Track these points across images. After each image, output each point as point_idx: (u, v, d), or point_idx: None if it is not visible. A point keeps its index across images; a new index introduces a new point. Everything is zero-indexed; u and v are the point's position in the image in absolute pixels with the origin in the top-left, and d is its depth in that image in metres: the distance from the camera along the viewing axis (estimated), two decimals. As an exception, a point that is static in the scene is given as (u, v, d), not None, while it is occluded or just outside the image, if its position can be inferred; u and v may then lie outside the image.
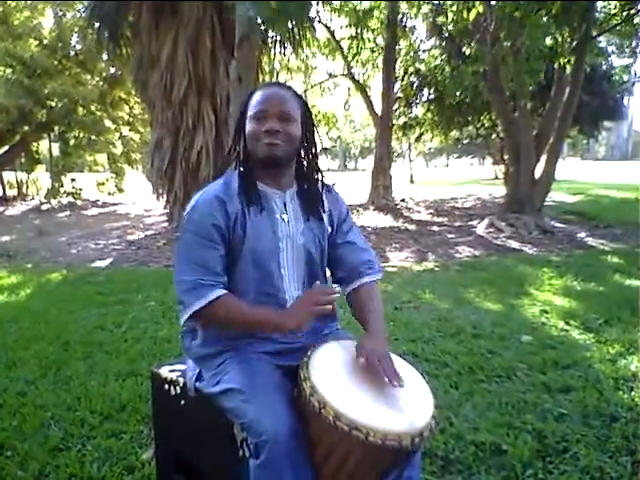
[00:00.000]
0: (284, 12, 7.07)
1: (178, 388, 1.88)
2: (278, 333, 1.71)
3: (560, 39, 9.74)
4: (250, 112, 1.73)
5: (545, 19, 9.17)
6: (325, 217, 1.86)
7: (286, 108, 1.72)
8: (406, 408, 1.45)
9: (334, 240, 1.89)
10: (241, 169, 1.79)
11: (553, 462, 2.30)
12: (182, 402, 1.87)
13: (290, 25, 9.39)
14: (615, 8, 10.39)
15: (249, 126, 1.72)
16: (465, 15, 9.76)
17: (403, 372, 1.63)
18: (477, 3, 9.18)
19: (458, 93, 12.81)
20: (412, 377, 1.61)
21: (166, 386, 1.93)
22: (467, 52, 12.24)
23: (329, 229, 1.87)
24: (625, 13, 10.00)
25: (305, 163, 1.86)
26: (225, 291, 1.65)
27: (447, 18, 13.13)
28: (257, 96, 1.74)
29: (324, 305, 1.64)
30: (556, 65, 10.22)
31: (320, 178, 1.88)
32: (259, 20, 7.26)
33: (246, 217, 1.70)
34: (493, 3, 9.67)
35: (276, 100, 1.72)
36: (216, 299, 1.62)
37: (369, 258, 1.90)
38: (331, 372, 1.53)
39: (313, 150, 1.85)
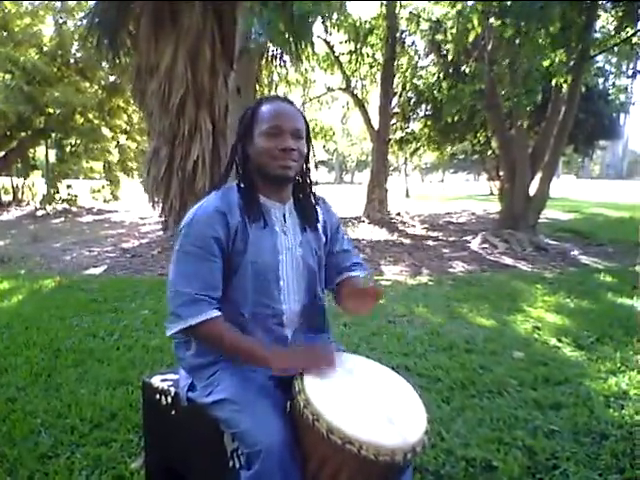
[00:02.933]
0: (294, 36, 7.17)
1: (169, 398, 1.87)
2: (262, 367, 1.66)
3: (557, 58, 9.80)
4: (261, 127, 1.72)
5: (543, 39, 9.25)
6: (320, 228, 1.89)
7: (298, 125, 1.74)
8: (399, 423, 1.45)
9: (330, 249, 1.95)
10: (241, 182, 1.79)
11: (543, 479, 2.30)
12: (173, 412, 1.86)
13: (290, 40, 9.46)
14: (614, 28, 10.47)
15: (261, 141, 1.71)
16: (465, 37, 9.83)
17: (397, 386, 1.63)
18: (476, 24, 9.23)
19: (455, 110, 12.87)
20: (406, 392, 1.61)
21: (157, 396, 1.92)
22: (465, 70, 12.31)
23: (323, 239, 1.90)
24: (624, 33, 10.08)
25: (302, 177, 1.87)
26: (220, 313, 1.64)
27: (446, 36, 13.23)
28: (267, 110, 1.74)
29: (317, 366, 1.62)
30: (553, 84, 10.30)
31: (313, 191, 1.91)
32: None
33: (247, 230, 1.70)
34: (491, 21, 9.74)
35: (289, 117, 1.73)
36: (213, 318, 1.61)
37: (359, 261, 2.02)
38: (325, 385, 1.53)
39: (309, 164, 1.87)
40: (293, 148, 1.70)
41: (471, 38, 9.62)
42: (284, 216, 1.81)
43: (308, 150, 1.83)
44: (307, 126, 1.81)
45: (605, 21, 10.86)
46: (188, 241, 1.67)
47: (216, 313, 1.63)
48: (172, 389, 1.87)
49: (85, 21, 12.04)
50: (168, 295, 1.68)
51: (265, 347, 1.65)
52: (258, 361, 1.64)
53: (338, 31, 15.31)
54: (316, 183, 1.92)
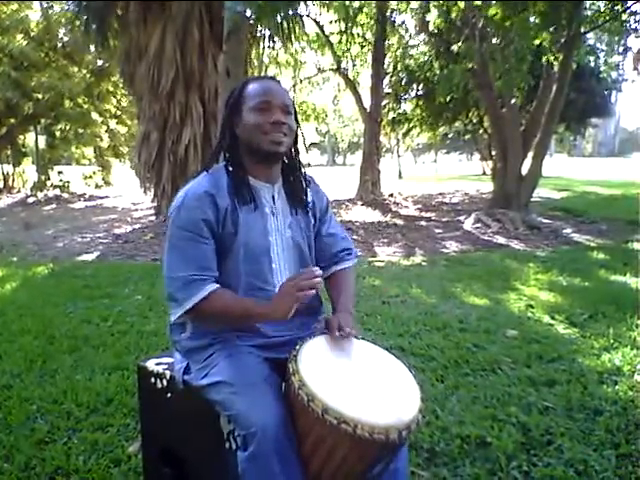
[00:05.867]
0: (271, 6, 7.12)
1: (164, 381, 1.87)
2: (267, 323, 1.70)
3: (548, 36, 9.75)
4: (250, 103, 1.70)
5: (533, 17, 9.20)
6: (309, 209, 1.88)
7: (287, 101, 1.73)
8: (393, 401, 1.46)
9: (318, 231, 1.93)
10: (229, 162, 1.77)
11: (537, 455, 2.32)
12: (168, 395, 1.86)
13: (279, 19, 9.37)
14: (604, 5, 10.40)
15: (251, 117, 1.69)
16: (449, 11, 9.76)
17: (391, 366, 1.64)
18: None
19: (447, 90, 12.79)
20: (399, 371, 1.62)
21: (152, 379, 1.92)
22: (456, 49, 12.23)
23: (312, 220, 1.89)
24: (614, 10, 10.02)
25: (291, 158, 1.86)
26: (217, 285, 1.63)
27: (433, 15, 13.14)
28: (255, 87, 1.73)
29: (307, 290, 1.57)
30: (544, 62, 10.27)
31: (303, 172, 1.89)
32: (247, 14, 7.25)
33: (237, 212, 1.68)
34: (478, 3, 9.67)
35: (277, 92, 1.72)
36: (209, 294, 1.60)
37: (348, 246, 1.99)
38: (320, 365, 1.53)
39: (298, 145, 1.86)
40: (284, 122, 1.69)
41: (454, 15, 9.56)
42: (273, 197, 1.79)
43: (297, 129, 1.82)
44: (293, 104, 1.80)
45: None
46: (178, 226, 1.66)
47: (212, 287, 1.62)
48: (167, 372, 1.87)
49: (72, 5, 11.90)
50: (164, 282, 1.67)
51: (259, 305, 1.65)
52: (260, 321, 1.69)
53: (327, 10, 15.18)
54: (308, 165, 1.91)
